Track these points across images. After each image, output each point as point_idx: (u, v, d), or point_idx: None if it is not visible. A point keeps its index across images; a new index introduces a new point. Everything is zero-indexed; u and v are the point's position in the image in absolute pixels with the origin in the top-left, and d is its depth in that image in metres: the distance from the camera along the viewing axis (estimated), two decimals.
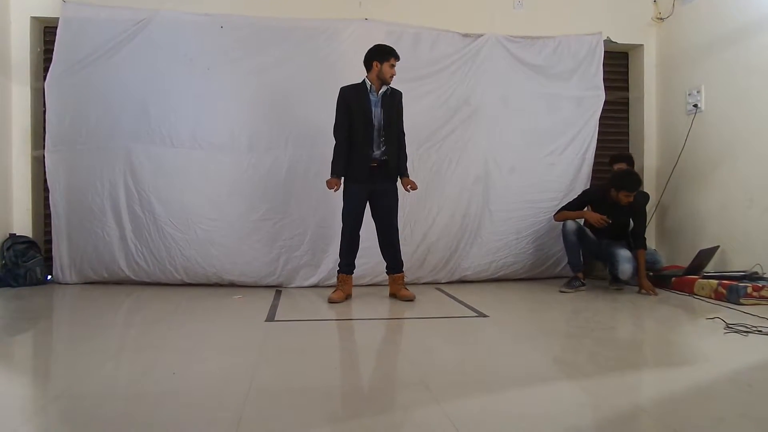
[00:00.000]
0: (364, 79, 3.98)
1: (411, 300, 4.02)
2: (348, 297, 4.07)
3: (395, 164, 4.02)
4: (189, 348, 2.77)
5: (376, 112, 3.95)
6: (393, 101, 4.01)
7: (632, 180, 4.44)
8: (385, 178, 3.99)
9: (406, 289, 4.12)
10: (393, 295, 4.14)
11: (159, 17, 4.69)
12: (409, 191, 4.09)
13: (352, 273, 4.10)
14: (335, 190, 3.96)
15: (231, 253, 4.63)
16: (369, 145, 3.94)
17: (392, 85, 4.00)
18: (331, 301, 3.95)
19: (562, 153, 5.16)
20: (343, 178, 3.98)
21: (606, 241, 4.58)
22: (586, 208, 4.65)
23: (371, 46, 4.01)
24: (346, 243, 4.04)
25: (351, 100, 3.95)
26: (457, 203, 4.97)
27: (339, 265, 4.09)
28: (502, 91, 5.08)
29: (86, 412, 1.88)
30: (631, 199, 4.41)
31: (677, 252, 5.18)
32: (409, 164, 4.20)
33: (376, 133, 3.95)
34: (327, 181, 3.94)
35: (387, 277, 4.18)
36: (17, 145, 4.83)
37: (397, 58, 3.96)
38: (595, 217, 4.46)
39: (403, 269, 4.17)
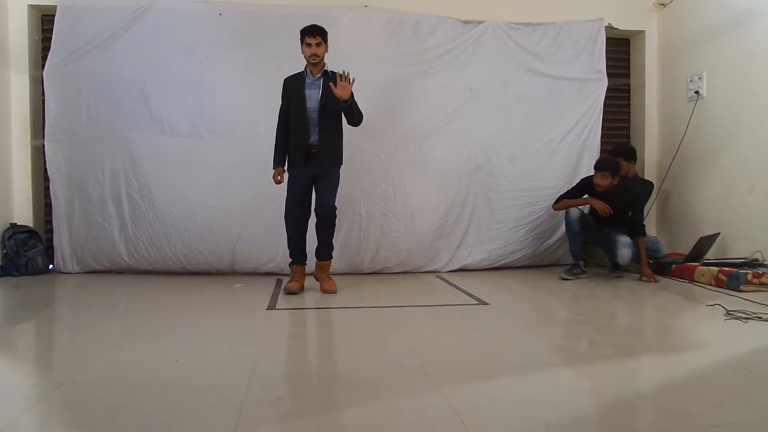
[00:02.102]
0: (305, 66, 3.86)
1: (332, 293, 3.81)
2: (302, 288, 3.88)
3: (330, 151, 3.83)
4: (191, 336, 2.78)
5: (312, 95, 3.79)
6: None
7: (603, 162, 4.54)
8: (324, 163, 3.81)
9: (330, 279, 3.91)
10: (317, 279, 3.96)
11: (158, 5, 4.66)
12: (334, 86, 3.64)
13: (305, 263, 3.92)
14: (278, 182, 3.85)
15: (230, 240, 4.64)
16: (304, 129, 3.80)
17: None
18: (288, 292, 3.76)
19: (561, 141, 5.14)
20: (286, 167, 3.89)
21: (607, 228, 4.58)
22: (584, 196, 4.63)
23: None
24: (291, 232, 3.84)
25: (288, 88, 3.87)
26: (456, 191, 4.95)
27: (290, 255, 3.91)
28: (503, 78, 5.05)
29: (89, 400, 1.89)
30: (607, 181, 4.40)
31: (678, 239, 5.19)
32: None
33: (310, 118, 3.79)
34: (272, 176, 3.85)
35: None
36: (16, 135, 4.82)
37: (310, 34, 3.70)
38: (600, 204, 4.41)
39: (332, 259, 3.95)
